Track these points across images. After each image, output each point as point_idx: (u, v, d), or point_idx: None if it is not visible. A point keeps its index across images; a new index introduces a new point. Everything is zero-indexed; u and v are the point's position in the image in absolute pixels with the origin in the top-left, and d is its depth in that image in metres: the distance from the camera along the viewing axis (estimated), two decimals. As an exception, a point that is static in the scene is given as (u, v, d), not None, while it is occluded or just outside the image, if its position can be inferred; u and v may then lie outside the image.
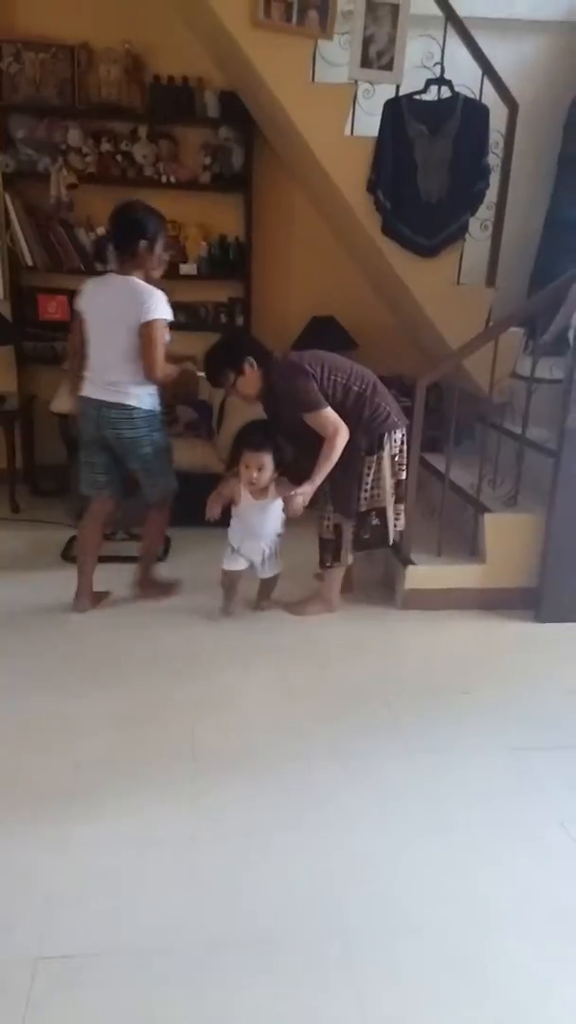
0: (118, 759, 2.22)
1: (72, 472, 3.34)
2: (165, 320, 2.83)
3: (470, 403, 3.60)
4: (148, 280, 2.90)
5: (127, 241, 2.85)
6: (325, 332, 4.23)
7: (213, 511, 2.90)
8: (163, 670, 2.70)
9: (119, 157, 4.12)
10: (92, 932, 1.66)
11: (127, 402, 2.87)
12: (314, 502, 2.93)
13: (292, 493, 2.80)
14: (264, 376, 2.84)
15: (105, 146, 4.09)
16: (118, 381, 2.85)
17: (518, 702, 2.62)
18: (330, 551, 3.06)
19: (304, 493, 2.79)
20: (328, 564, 3.08)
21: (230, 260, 4.34)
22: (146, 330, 2.79)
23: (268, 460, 2.82)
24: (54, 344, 4.29)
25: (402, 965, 1.62)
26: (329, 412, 2.76)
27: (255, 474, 2.82)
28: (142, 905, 1.74)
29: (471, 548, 3.30)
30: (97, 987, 1.54)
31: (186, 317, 4.38)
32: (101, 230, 4.17)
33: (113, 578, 3.33)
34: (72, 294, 4.24)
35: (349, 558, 3.08)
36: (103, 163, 4.10)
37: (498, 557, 3.22)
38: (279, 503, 2.91)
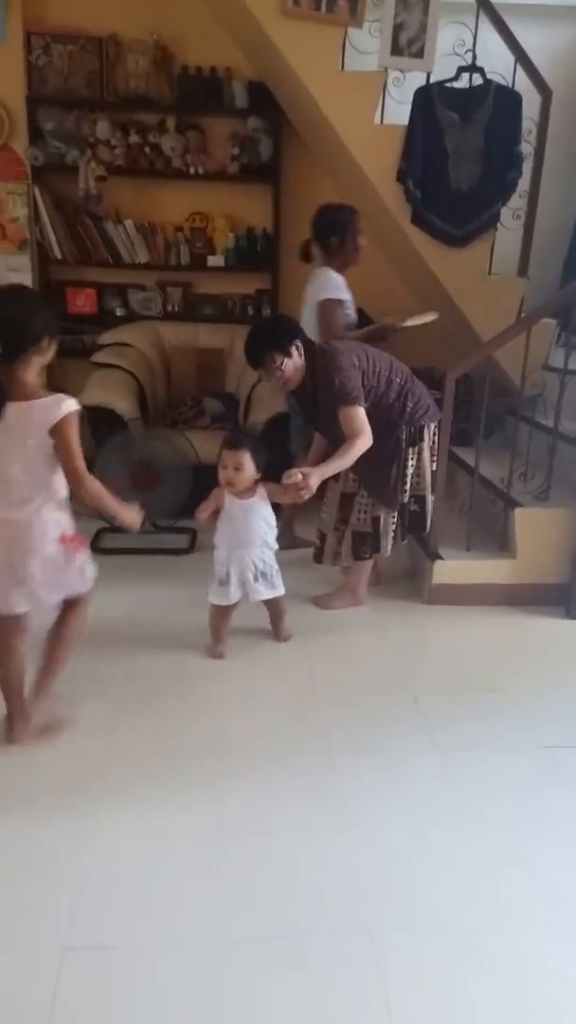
0: (145, 754, 2.22)
1: (98, 461, 3.35)
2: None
3: (501, 395, 3.55)
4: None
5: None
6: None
7: (202, 514, 2.72)
8: (187, 663, 2.70)
9: (147, 149, 4.11)
10: (119, 924, 1.67)
11: None
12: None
13: (296, 476, 2.51)
14: (308, 363, 2.75)
15: (133, 138, 4.09)
16: None
17: (549, 699, 2.57)
18: (368, 543, 2.99)
19: (308, 476, 2.51)
20: (366, 555, 3.02)
21: (257, 252, 4.32)
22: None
23: (246, 459, 2.62)
24: (83, 337, 4.30)
25: (429, 963, 1.60)
26: (362, 412, 2.69)
27: (232, 473, 2.63)
28: (168, 898, 1.74)
29: (501, 543, 3.26)
30: (123, 978, 1.54)
31: (213, 309, 4.39)
32: (130, 223, 4.17)
33: (139, 569, 3.35)
34: (100, 287, 4.29)
35: (389, 549, 3.02)
36: (131, 155, 4.10)
37: (529, 552, 3.17)
38: (266, 508, 2.72)
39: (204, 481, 3.47)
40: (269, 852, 1.88)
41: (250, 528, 2.70)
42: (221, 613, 2.76)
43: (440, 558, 3.17)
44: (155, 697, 2.50)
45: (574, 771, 2.22)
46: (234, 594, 2.71)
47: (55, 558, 2.12)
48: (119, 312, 4.32)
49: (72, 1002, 1.49)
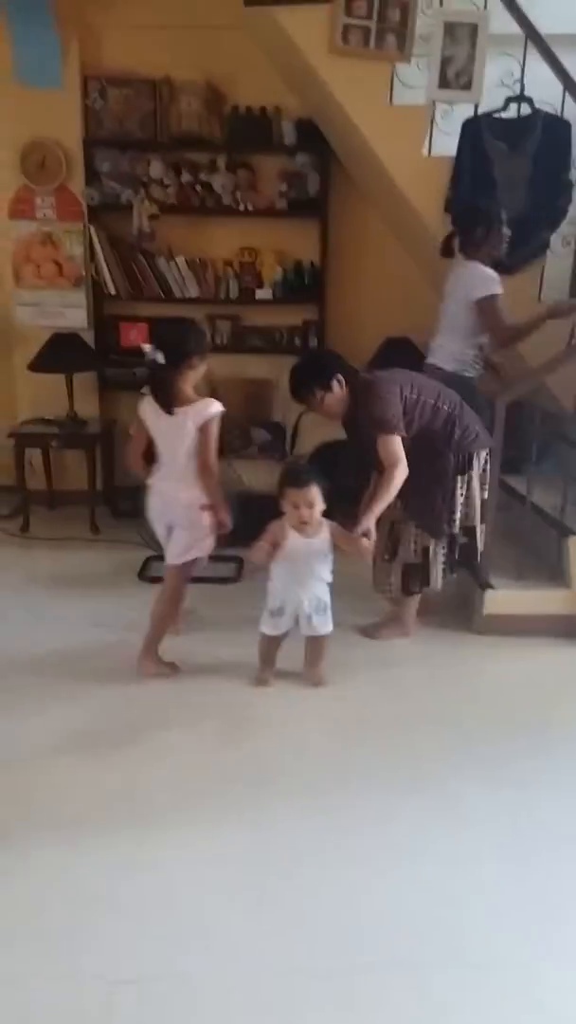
0: (187, 781, 2.20)
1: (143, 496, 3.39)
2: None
3: (552, 421, 3.48)
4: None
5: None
6: (399, 353, 4.18)
7: (259, 554, 2.61)
8: (230, 695, 2.67)
9: (199, 187, 4.21)
10: (162, 955, 1.65)
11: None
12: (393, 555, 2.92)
13: (354, 535, 2.58)
14: (350, 394, 2.77)
15: (185, 177, 4.19)
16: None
17: (605, 735, 2.48)
18: (418, 576, 2.94)
19: (366, 530, 2.60)
20: (416, 590, 2.97)
21: (305, 284, 4.36)
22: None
23: (317, 495, 2.54)
24: (134, 371, 4.38)
25: (477, 1002, 1.54)
26: (398, 442, 2.68)
27: (306, 511, 2.53)
28: (211, 930, 1.71)
29: (553, 572, 3.17)
30: (167, 1011, 1.51)
31: (261, 341, 4.43)
32: (181, 260, 4.27)
33: (188, 598, 3.36)
34: (151, 321, 4.38)
35: (439, 582, 2.96)
36: (183, 193, 4.20)
37: (583, 582, 3.08)
38: (326, 543, 2.64)
39: (250, 509, 3.49)
40: (312, 884, 1.84)
41: (311, 567, 2.64)
42: (271, 642, 2.73)
43: (491, 587, 3.10)
44: (198, 724, 2.48)
45: (633, 810, 2.12)
46: (286, 623, 2.68)
47: (196, 524, 2.69)
48: (170, 345, 4.39)
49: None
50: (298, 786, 2.19)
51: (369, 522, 2.63)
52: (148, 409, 2.69)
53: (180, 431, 2.62)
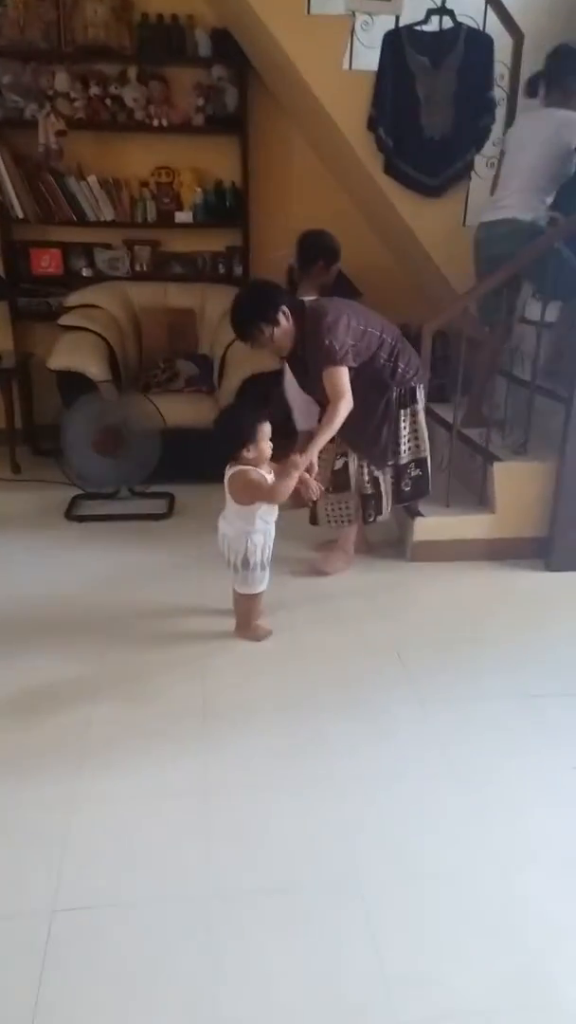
0: (128, 717, 2.20)
1: (64, 432, 3.29)
2: None
3: (477, 350, 3.51)
4: None
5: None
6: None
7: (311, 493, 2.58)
8: (170, 627, 2.67)
9: (108, 101, 3.97)
10: (107, 884, 1.66)
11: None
12: (338, 487, 2.89)
13: (292, 463, 2.44)
14: (296, 328, 2.64)
15: (94, 90, 3.94)
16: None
17: (530, 649, 2.59)
18: (372, 506, 2.94)
19: (307, 463, 2.53)
20: (371, 519, 2.97)
21: (227, 207, 4.21)
22: None
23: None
24: (48, 300, 4.19)
25: (418, 912, 1.61)
26: (345, 373, 2.60)
27: (266, 446, 2.43)
28: (156, 857, 1.73)
29: (480, 498, 3.25)
30: (113, 937, 1.54)
31: (183, 268, 4.29)
32: (93, 179, 4.04)
33: (117, 535, 3.32)
34: (65, 247, 4.17)
35: (387, 511, 2.97)
36: (92, 108, 3.96)
37: (508, 506, 3.17)
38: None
39: (182, 443, 3.44)
40: (256, 808, 1.88)
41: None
42: (261, 597, 2.62)
43: (420, 515, 3.16)
44: (137, 662, 2.47)
45: (556, 719, 2.24)
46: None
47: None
48: (85, 272, 4.21)
49: (62, 963, 1.48)
50: (235, 717, 2.22)
51: (311, 455, 2.56)
52: None
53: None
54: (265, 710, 2.25)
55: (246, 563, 2.50)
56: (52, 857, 1.72)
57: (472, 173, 3.59)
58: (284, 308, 2.61)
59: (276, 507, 2.51)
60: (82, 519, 3.50)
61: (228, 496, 2.47)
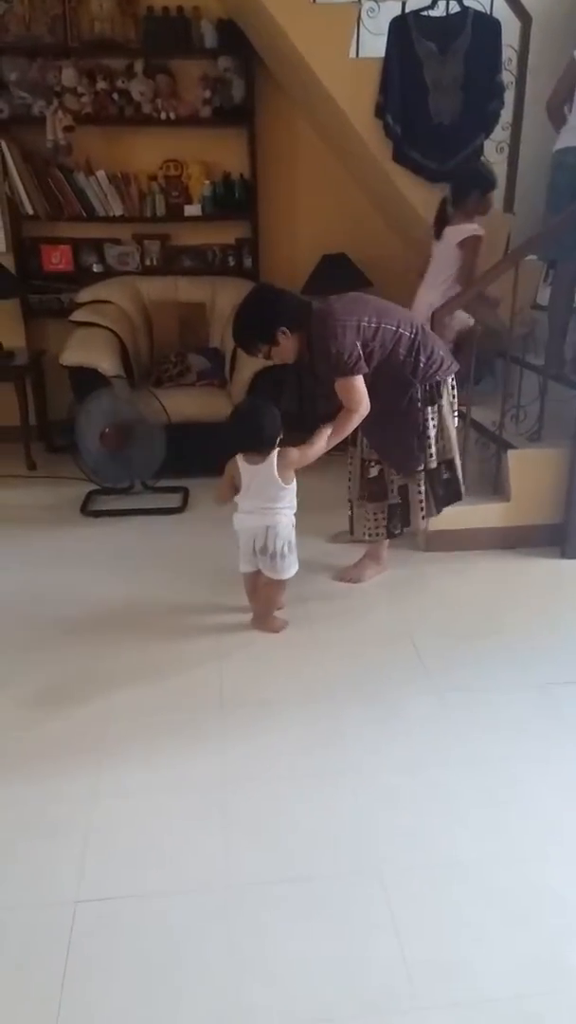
0: (147, 709, 2.22)
1: (78, 428, 3.30)
2: None
3: (489, 337, 3.48)
4: None
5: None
6: (337, 270, 4.11)
7: (223, 494, 2.55)
8: (187, 622, 2.69)
9: (116, 95, 3.97)
10: (129, 875, 1.68)
11: None
12: (374, 497, 2.82)
13: (319, 450, 2.49)
14: (301, 338, 2.49)
15: (101, 84, 3.94)
16: None
17: (546, 638, 2.58)
18: (399, 517, 2.82)
19: (302, 453, 2.48)
20: (398, 532, 2.85)
21: (235, 199, 4.20)
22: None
23: None
24: (59, 296, 4.20)
25: (438, 900, 1.62)
26: (359, 382, 2.47)
27: None
28: (176, 848, 1.75)
29: (494, 486, 3.23)
30: (135, 928, 1.56)
31: (193, 261, 4.29)
32: (102, 174, 4.05)
33: (132, 530, 3.34)
34: (75, 243, 4.18)
35: (420, 522, 2.86)
36: (100, 102, 3.95)
37: (522, 494, 3.15)
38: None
39: (194, 436, 3.45)
40: (275, 798, 1.89)
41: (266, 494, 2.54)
42: (248, 580, 2.64)
43: (434, 504, 3.14)
44: (154, 656, 2.49)
45: (571, 707, 2.23)
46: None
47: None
48: (96, 268, 4.22)
49: (86, 953, 1.50)
50: (253, 707, 2.23)
51: (315, 451, 2.49)
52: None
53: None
54: (282, 703, 2.26)
55: (290, 546, 2.53)
56: (74, 849, 1.74)
57: (482, 158, 3.56)
58: (282, 328, 2.45)
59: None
60: (97, 514, 3.52)
61: (277, 482, 2.45)
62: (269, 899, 1.62)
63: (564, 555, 3.14)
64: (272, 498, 2.48)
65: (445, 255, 3.40)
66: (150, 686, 2.33)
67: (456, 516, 3.15)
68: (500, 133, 3.56)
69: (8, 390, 4.00)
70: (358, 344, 2.45)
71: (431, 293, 3.44)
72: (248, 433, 2.45)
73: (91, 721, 2.17)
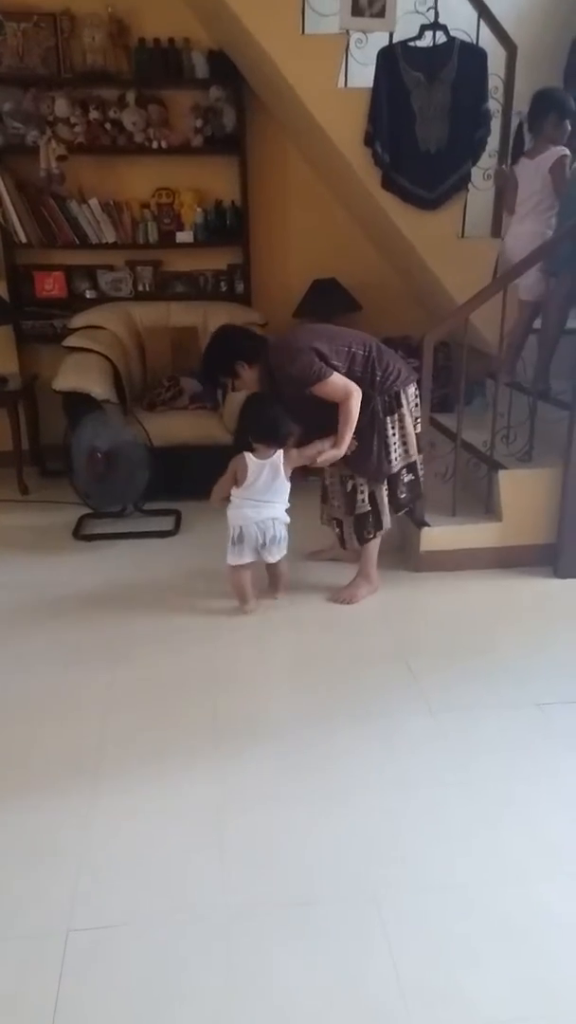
0: (140, 732, 2.21)
1: (71, 452, 3.31)
2: None
3: (479, 359, 3.53)
4: None
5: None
6: (328, 295, 4.15)
7: (224, 490, 2.79)
8: (181, 642, 2.68)
9: (108, 125, 4.02)
10: (122, 902, 1.66)
11: None
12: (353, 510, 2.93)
13: (316, 452, 2.72)
14: (262, 368, 2.73)
15: (93, 114, 3.99)
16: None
17: (539, 658, 2.58)
18: (369, 523, 2.92)
19: (323, 451, 2.71)
20: (371, 535, 2.95)
21: (227, 226, 4.25)
22: None
23: None
24: (52, 322, 4.23)
25: (434, 922, 1.61)
26: (336, 377, 2.66)
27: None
28: (171, 873, 1.73)
29: (486, 506, 3.25)
30: (129, 956, 1.54)
31: (185, 287, 4.32)
32: (95, 202, 4.10)
33: (124, 553, 3.33)
34: (68, 270, 4.22)
35: (387, 521, 2.96)
36: (92, 132, 4.01)
37: (514, 514, 3.17)
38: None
39: (187, 459, 3.46)
40: (270, 822, 1.88)
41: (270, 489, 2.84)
42: (240, 574, 2.86)
43: (427, 525, 3.16)
44: (147, 678, 2.48)
45: (566, 726, 2.23)
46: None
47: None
48: (89, 294, 4.25)
49: (79, 982, 1.48)
50: (247, 730, 2.22)
51: (332, 451, 2.71)
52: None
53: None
54: (276, 723, 2.25)
55: (286, 528, 2.84)
56: (65, 878, 1.72)
57: (469, 185, 3.62)
58: (240, 362, 2.71)
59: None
60: (89, 538, 3.52)
61: (281, 479, 2.75)
62: (264, 924, 1.60)
63: (556, 574, 3.15)
64: (277, 491, 2.77)
65: (536, 182, 3.38)
66: (143, 710, 2.32)
67: (449, 536, 3.17)
68: (487, 160, 3.62)
69: (1, 415, 4.01)
70: (316, 359, 2.64)
71: (531, 222, 3.42)
72: (268, 426, 2.72)
73: (84, 745, 2.15)
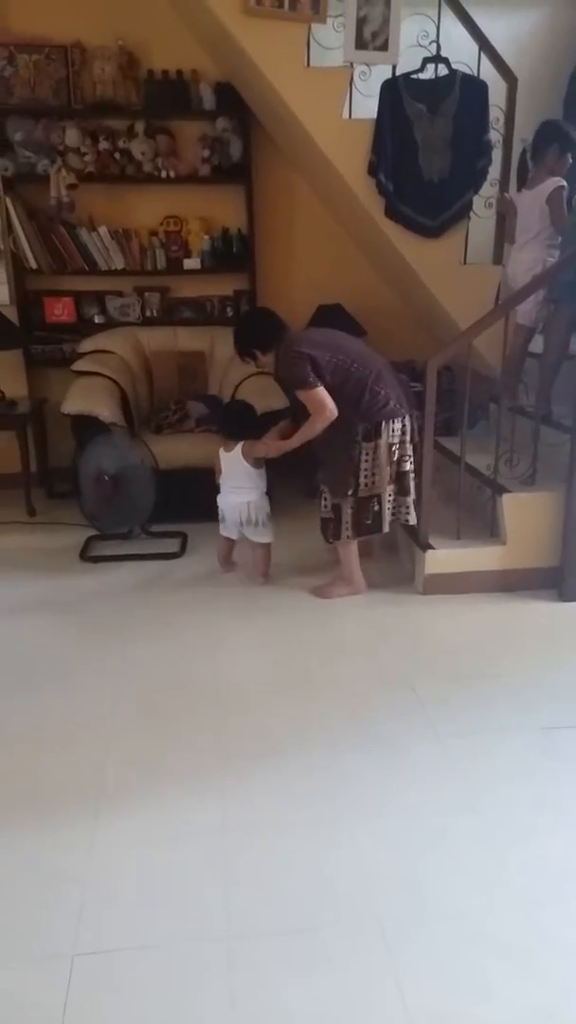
0: (143, 755, 2.21)
1: (79, 475, 3.35)
2: None
3: (482, 384, 3.56)
4: None
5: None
6: (332, 320, 4.19)
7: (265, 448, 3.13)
8: (185, 664, 2.69)
9: (117, 155, 4.11)
10: (126, 927, 1.66)
11: None
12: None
13: (263, 446, 3.11)
14: (275, 355, 2.98)
15: (103, 144, 4.08)
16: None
17: (545, 682, 2.58)
18: (329, 530, 3.11)
19: (268, 445, 3.10)
20: (329, 541, 3.14)
21: (233, 253, 4.32)
22: None
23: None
24: (62, 347, 4.29)
25: (441, 950, 1.60)
26: (319, 392, 2.84)
27: None
28: (175, 898, 1.73)
29: (490, 530, 3.27)
30: (134, 981, 1.53)
31: (192, 312, 4.38)
32: (104, 230, 4.17)
33: (130, 575, 3.35)
34: (78, 295, 4.28)
35: (346, 539, 3.08)
36: (102, 161, 4.09)
37: (518, 537, 3.18)
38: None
39: (193, 482, 3.49)
40: (274, 847, 1.88)
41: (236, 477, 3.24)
42: (226, 545, 3.37)
43: (431, 548, 3.17)
44: (152, 701, 2.49)
45: (572, 750, 2.23)
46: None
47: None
48: (98, 319, 4.31)
49: (84, 1009, 1.48)
50: (249, 753, 2.22)
51: (274, 445, 3.07)
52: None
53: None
54: (280, 747, 2.26)
55: (268, 516, 3.23)
56: (70, 902, 1.72)
57: (471, 214, 3.68)
58: (255, 351, 3.01)
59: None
60: (96, 560, 3.55)
61: (245, 467, 3.15)
62: (270, 951, 1.60)
63: (561, 597, 3.16)
64: (243, 478, 3.17)
65: (534, 211, 3.45)
66: (147, 733, 2.33)
67: (453, 559, 3.18)
68: (488, 189, 3.68)
69: (10, 438, 4.06)
70: (309, 368, 2.83)
71: (530, 250, 3.49)
72: (222, 424, 3.34)
73: (88, 769, 2.16)
